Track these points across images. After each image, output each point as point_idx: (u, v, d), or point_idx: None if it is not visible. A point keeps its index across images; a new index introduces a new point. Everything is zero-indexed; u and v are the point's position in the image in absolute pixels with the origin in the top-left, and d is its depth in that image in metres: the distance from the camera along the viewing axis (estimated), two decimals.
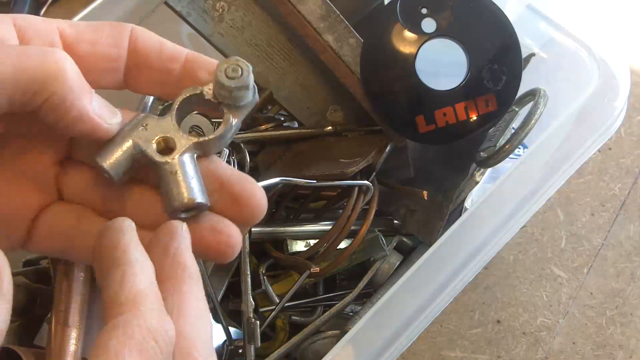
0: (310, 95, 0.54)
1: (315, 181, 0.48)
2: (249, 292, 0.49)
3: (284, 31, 0.52)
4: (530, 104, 0.50)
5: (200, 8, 0.49)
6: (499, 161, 0.50)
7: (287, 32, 0.52)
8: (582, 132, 0.50)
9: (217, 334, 0.56)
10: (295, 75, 0.53)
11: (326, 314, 0.53)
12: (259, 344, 0.48)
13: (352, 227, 0.50)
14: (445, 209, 0.51)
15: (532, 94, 0.51)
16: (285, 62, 0.52)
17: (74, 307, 0.51)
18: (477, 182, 0.55)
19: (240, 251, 0.49)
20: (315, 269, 0.49)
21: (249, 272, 0.50)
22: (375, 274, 0.55)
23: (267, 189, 0.50)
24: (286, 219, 0.56)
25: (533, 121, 0.48)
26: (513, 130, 0.50)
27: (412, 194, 0.52)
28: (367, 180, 0.50)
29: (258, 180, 0.48)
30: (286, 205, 0.56)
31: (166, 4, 0.49)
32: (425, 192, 0.50)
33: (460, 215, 0.49)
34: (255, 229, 0.51)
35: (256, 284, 0.53)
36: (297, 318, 0.56)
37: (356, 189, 0.50)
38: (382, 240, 0.55)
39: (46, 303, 0.54)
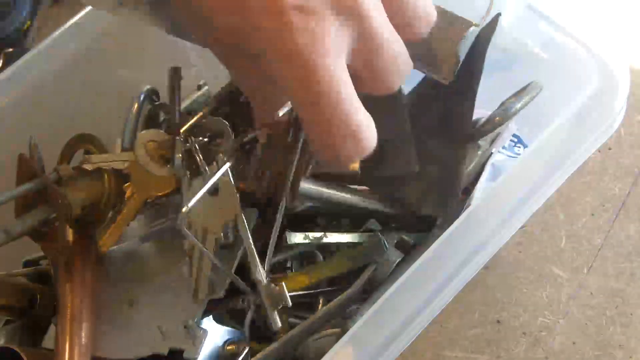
0: None
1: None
2: (257, 263, 0.46)
3: None
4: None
5: None
6: (491, 130, 0.51)
7: None
8: (582, 132, 0.50)
9: (217, 334, 0.56)
10: None
11: (323, 309, 0.52)
12: (290, 304, 0.45)
13: None
14: (457, 187, 0.51)
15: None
16: None
17: (80, 303, 0.51)
18: (477, 156, 0.55)
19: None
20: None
21: (251, 242, 0.47)
22: (375, 272, 0.54)
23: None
24: None
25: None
26: None
27: None
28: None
29: None
30: None
31: None
32: None
33: (462, 212, 0.49)
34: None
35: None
36: (296, 320, 0.55)
37: None
38: (383, 242, 0.55)
39: (46, 303, 0.54)
